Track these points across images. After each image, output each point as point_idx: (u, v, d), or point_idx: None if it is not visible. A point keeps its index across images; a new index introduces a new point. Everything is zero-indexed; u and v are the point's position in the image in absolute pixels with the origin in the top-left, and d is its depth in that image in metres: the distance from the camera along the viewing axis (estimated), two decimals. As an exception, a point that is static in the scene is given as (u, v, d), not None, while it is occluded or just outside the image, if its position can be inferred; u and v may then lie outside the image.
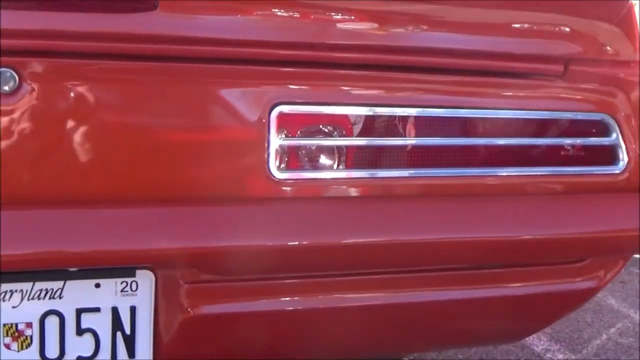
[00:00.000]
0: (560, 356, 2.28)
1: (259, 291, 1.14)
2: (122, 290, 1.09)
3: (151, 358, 1.12)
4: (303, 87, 1.13)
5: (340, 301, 1.19)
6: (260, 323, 1.17)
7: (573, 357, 2.29)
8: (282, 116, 1.10)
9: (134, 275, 1.08)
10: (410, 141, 1.20)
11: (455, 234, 1.18)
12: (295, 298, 1.16)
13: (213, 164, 1.09)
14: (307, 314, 1.17)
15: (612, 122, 1.28)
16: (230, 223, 1.08)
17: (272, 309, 1.15)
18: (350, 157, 1.18)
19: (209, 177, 1.09)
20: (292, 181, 1.12)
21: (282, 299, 1.15)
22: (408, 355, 2.13)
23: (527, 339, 2.34)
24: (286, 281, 1.15)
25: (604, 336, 2.46)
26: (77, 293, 1.06)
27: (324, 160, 1.17)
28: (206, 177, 1.09)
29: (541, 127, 1.27)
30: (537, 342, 2.36)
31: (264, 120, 1.09)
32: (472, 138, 1.23)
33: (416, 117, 1.20)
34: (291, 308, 1.16)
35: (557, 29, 1.26)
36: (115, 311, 1.08)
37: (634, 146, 1.30)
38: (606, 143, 1.30)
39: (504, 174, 1.24)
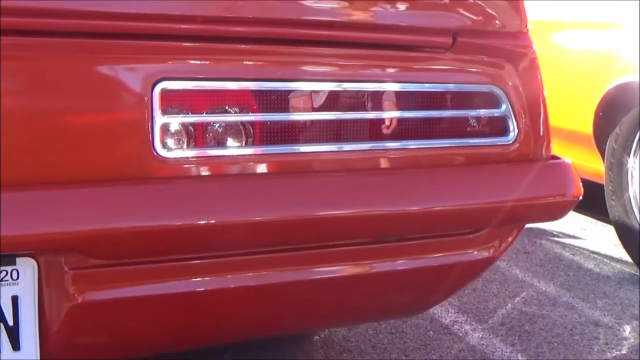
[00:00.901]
0: (468, 327, 2.33)
1: (148, 275, 1.10)
2: (1, 280, 1.03)
3: (37, 350, 1.07)
4: (187, 62, 1.10)
5: (235, 281, 1.17)
6: (151, 307, 1.14)
7: (480, 327, 2.34)
8: (165, 92, 1.07)
9: (13, 264, 1.03)
10: (296, 116, 1.18)
11: (351, 209, 1.17)
12: (186, 281, 1.13)
13: (97, 144, 1.05)
14: (200, 296, 1.15)
15: (501, 93, 1.30)
16: (114, 205, 1.03)
17: (162, 293, 1.12)
18: (241, 134, 1.16)
19: (93, 158, 1.05)
20: (179, 160, 1.09)
21: (173, 282, 1.12)
22: (317, 332, 2.14)
23: (434, 311, 2.38)
24: (175, 263, 1.11)
25: (509, 305, 2.52)
26: (-48, 284, 1.01)
27: (213, 137, 1.14)
28: (89, 157, 1.05)
29: (431, 100, 1.27)
30: (445, 314, 2.40)
31: (146, 98, 1.05)
32: (361, 112, 1.22)
33: (301, 92, 1.18)
34: (183, 291, 1.13)
35: (444, 1, 1.27)
36: (-5, 302, 1.03)
37: (523, 117, 1.32)
38: (496, 114, 1.31)
39: (397, 147, 1.24)
